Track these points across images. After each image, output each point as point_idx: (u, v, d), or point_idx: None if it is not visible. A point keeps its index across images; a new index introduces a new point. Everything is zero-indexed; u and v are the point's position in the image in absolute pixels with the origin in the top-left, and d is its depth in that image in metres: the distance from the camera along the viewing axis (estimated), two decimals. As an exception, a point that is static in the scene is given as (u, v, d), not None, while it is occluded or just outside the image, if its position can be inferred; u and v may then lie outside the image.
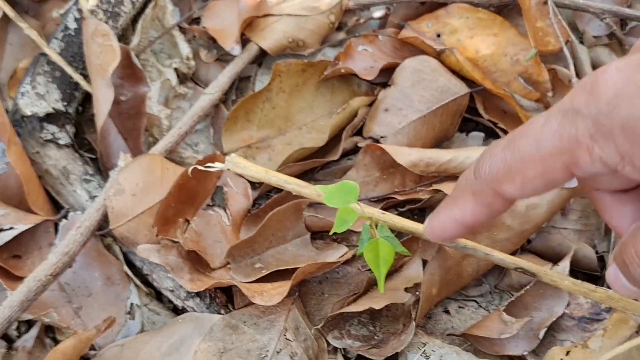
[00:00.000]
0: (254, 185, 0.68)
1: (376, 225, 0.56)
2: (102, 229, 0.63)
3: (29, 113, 0.67)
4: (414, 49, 0.74)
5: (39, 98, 0.68)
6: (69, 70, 0.70)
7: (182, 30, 0.76)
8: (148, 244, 0.62)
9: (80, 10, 0.72)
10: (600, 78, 0.34)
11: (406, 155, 0.66)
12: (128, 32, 0.76)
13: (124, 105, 0.69)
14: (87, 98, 0.72)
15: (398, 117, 0.69)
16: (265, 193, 0.69)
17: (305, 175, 0.69)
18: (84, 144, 0.72)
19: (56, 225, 0.65)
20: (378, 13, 0.79)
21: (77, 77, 0.70)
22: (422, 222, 0.67)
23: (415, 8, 0.77)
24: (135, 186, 0.63)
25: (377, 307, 0.58)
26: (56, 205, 0.68)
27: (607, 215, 0.42)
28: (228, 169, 0.59)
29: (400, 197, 0.66)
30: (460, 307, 0.64)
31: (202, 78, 0.76)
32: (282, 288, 0.59)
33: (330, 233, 0.55)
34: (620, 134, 0.33)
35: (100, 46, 0.68)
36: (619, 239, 0.41)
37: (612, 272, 0.40)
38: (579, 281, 0.55)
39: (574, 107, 0.35)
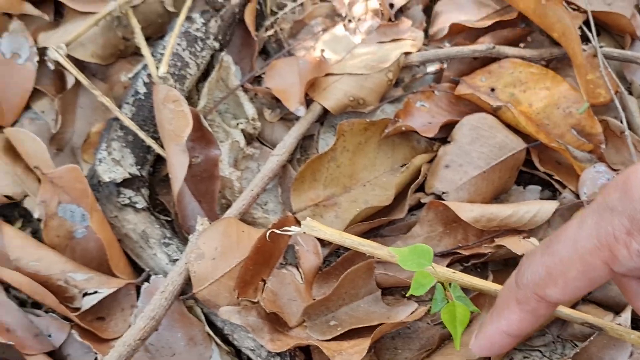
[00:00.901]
0: (323, 242, 0.71)
1: (448, 284, 0.59)
2: (184, 293, 0.66)
3: (107, 179, 0.70)
4: (469, 103, 0.76)
5: (115, 164, 0.71)
6: (141, 134, 0.72)
7: (245, 89, 0.79)
8: (229, 305, 0.65)
9: (149, 75, 0.74)
10: (632, 177, 0.37)
11: (468, 212, 0.69)
12: (192, 92, 0.78)
13: (196, 169, 0.72)
14: (158, 159, 0.75)
15: (459, 174, 0.72)
16: (334, 250, 0.71)
17: (372, 232, 0.72)
18: (156, 204, 0.75)
19: (138, 287, 0.68)
20: (432, 67, 0.81)
21: (150, 142, 0.72)
22: (484, 275, 0.70)
23: (469, 63, 0.79)
24: (214, 250, 0.66)
25: (453, 365, 0.61)
26: (135, 268, 0.71)
27: (633, 299, 0.45)
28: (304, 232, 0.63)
29: (465, 252, 0.69)
30: (525, 357, 0.67)
31: (267, 137, 0.78)
32: (359, 347, 0.62)
33: (407, 295, 0.58)
34: None
35: (172, 112, 0.71)
36: None
37: None
38: (644, 334, 0.58)
39: (608, 205, 0.37)
